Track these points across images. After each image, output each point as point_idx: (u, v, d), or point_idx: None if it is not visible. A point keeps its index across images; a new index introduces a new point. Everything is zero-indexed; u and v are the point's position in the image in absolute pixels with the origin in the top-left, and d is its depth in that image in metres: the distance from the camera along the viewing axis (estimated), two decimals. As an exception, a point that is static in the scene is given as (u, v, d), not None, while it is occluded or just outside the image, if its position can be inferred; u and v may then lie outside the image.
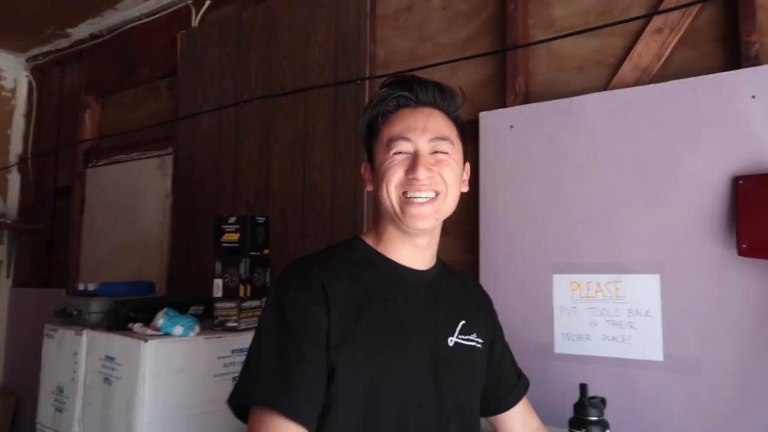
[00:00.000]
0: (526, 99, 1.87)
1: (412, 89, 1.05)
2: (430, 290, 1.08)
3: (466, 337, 1.09)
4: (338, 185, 2.30)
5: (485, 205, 1.86)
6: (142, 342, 1.57)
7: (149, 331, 1.65)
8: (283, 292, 0.98)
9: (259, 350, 0.97)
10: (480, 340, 1.11)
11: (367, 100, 2.24)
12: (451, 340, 1.06)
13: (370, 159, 1.09)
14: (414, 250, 1.07)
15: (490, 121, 1.88)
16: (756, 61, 1.47)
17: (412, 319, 1.03)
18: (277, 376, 0.92)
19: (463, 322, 1.09)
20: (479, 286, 1.27)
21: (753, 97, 1.43)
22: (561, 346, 1.67)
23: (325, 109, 2.38)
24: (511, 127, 1.83)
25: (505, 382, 1.23)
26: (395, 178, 1.02)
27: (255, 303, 1.90)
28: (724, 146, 1.46)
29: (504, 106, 1.89)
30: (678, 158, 1.52)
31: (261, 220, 1.96)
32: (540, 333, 1.69)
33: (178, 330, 1.64)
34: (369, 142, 1.09)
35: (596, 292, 1.62)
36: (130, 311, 1.75)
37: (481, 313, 1.18)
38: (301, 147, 2.45)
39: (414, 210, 1.01)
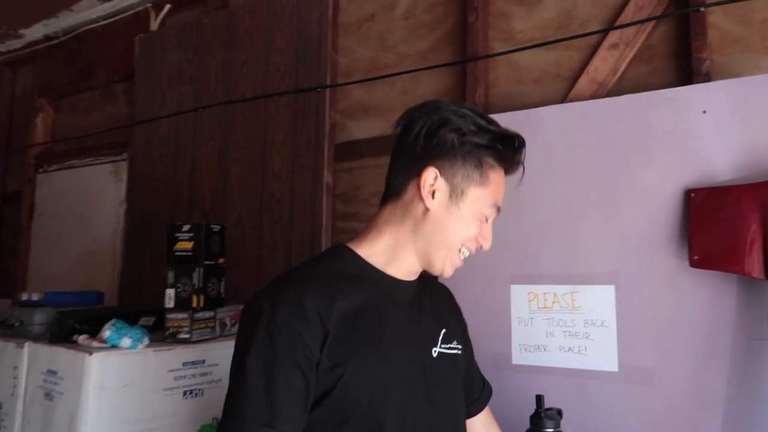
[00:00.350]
0: (486, 110, 1.88)
1: (521, 172, 1.04)
2: (416, 300, 1.06)
3: (448, 345, 1.07)
4: (297, 194, 2.26)
5: (445, 215, 1.84)
6: (87, 355, 1.49)
7: (95, 344, 1.57)
8: (271, 316, 0.89)
9: (244, 381, 0.87)
10: (459, 347, 1.10)
11: (328, 108, 2.22)
12: (435, 350, 1.04)
13: (446, 174, 0.97)
14: (411, 269, 1.04)
15: (451, 131, 1.87)
16: (707, 78, 1.51)
17: (402, 331, 1.00)
18: (266, 414, 0.86)
19: (444, 330, 1.08)
20: (450, 293, 1.25)
21: (704, 112, 1.46)
22: (518, 357, 1.67)
23: (285, 117, 2.35)
24: (471, 137, 1.82)
25: (473, 389, 1.22)
26: (472, 234, 0.99)
27: (208, 314, 1.85)
28: (676, 160, 1.48)
29: (464, 116, 1.89)
30: (632, 171, 1.54)
31: (216, 228, 1.91)
32: (498, 344, 1.69)
33: (126, 342, 1.57)
34: (462, 159, 0.97)
35: (553, 302, 1.62)
36: (75, 322, 1.67)
37: (456, 319, 1.17)
38: (260, 154, 2.41)
39: (457, 263, 1.01)
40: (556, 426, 1.34)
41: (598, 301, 1.55)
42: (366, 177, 2.16)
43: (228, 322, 1.97)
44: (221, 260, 1.93)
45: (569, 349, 1.59)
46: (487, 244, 1.01)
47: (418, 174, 0.97)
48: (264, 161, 2.39)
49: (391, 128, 2.08)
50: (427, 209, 0.97)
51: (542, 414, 1.34)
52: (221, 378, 1.79)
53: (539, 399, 1.35)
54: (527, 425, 1.35)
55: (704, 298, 1.41)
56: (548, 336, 1.62)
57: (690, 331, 1.42)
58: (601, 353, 1.54)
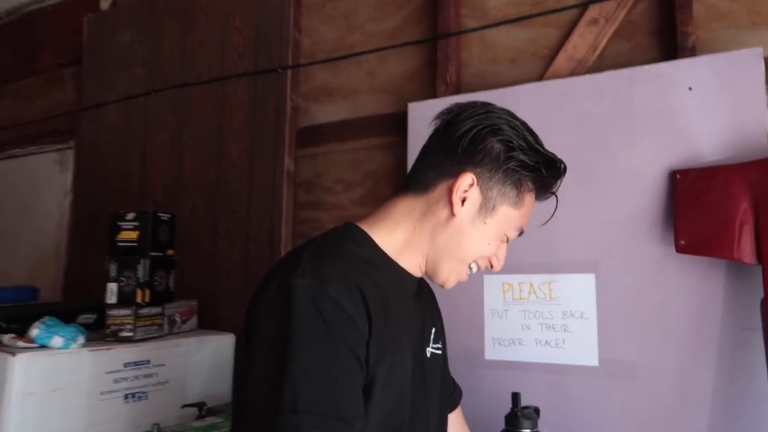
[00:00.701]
0: (458, 90, 1.76)
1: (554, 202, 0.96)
2: (417, 297, 0.98)
3: (436, 345, 1.02)
4: (256, 182, 2.11)
5: (414, 202, 1.73)
6: (10, 356, 1.32)
7: (21, 343, 1.40)
8: (319, 294, 0.75)
9: (292, 373, 0.70)
10: (442, 347, 1.05)
11: (289, 90, 2.08)
12: (428, 351, 0.98)
13: (482, 184, 0.88)
14: (419, 267, 0.95)
15: (420, 112, 1.76)
16: (692, 53, 1.42)
17: (411, 328, 0.93)
18: (333, 412, 0.70)
19: (434, 329, 1.02)
20: (431, 289, 1.15)
21: (690, 89, 1.37)
22: (492, 352, 1.55)
23: (243, 100, 2.20)
24: (442, 119, 1.71)
25: (447, 388, 1.14)
26: (489, 252, 0.91)
27: (155, 310, 1.69)
28: (661, 140, 1.39)
29: (434, 96, 1.77)
30: (614, 152, 1.45)
31: (165, 216, 1.75)
32: (470, 338, 1.57)
33: (57, 341, 1.40)
34: (503, 174, 0.88)
35: (529, 293, 1.51)
36: (0, 320, 1.50)
37: (440, 317, 1.11)
38: (216, 140, 2.25)
39: (462, 278, 0.94)
40: (534, 426, 1.24)
41: (578, 291, 1.45)
42: (330, 163, 2.03)
43: (178, 319, 1.81)
44: (170, 252, 1.77)
45: (546, 342, 1.48)
46: (498, 266, 0.94)
47: (454, 176, 0.88)
48: (220, 148, 2.24)
49: (356, 111, 1.99)
50: (452, 215, 0.88)
51: (519, 413, 1.24)
52: (168, 380, 1.63)
53: (515, 397, 1.25)
54: (501, 425, 1.25)
55: (691, 287, 1.32)
56: (524, 329, 1.51)
57: (675, 321, 1.33)
58: (580, 347, 1.43)
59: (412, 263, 0.93)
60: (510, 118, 0.90)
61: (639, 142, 1.42)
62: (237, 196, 2.15)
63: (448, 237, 0.89)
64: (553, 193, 0.94)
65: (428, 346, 0.98)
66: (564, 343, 1.46)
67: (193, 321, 1.89)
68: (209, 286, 2.11)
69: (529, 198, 0.91)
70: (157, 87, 2.44)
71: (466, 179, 0.87)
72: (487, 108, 0.90)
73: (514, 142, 0.87)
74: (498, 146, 0.87)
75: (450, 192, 0.87)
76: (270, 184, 2.07)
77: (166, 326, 1.74)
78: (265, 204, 2.07)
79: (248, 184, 2.13)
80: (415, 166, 0.95)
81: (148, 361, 1.59)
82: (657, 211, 1.38)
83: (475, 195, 0.88)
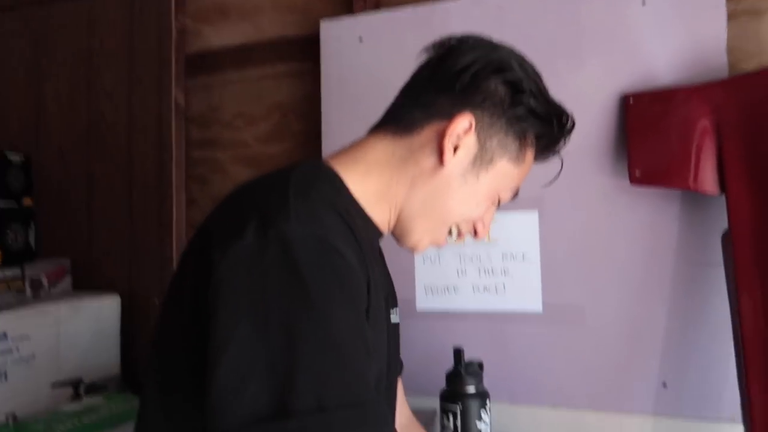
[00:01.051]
0: (377, 5, 1.53)
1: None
2: (381, 256, 0.86)
3: (395, 312, 0.89)
4: (137, 117, 1.78)
5: (329, 138, 1.50)
6: None
7: None
8: (325, 246, 0.57)
9: (308, 354, 0.52)
10: (398, 313, 0.93)
11: (174, 9, 1.76)
12: (390, 317, 0.85)
13: (481, 131, 0.74)
14: (388, 223, 0.80)
15: (334, 32, 1.52)
16: (644, -39, 1.28)
17: (383, 293, 0.78)
18: (370, 396, 0.55)
19: (389, 293, 0.88)
20: None
21: (643, 3, 1.24)
22: (423, 302, 1.40)
23: (117, 19, 1.84)
24: (361, 39, 1.48)
25: None
26: (476, 215, 0.77)
27: (11, 272, 1.36)
28: (610, 60, 1.25)
29: (351, 13, 1.53)
30: (559, 74, 1.27)
31: (16, 158, 1.41)
32: (399, 287, 1.36)
33: None
34: (507, 123, 0.74)
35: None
36: None
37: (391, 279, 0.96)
38: (85, 68, 1.87)
39: (440, 243, 0.80)
40: (479, 382, 1.10)
41: (519, 231, 1.31)
42: (228, 95, 1.73)
43: (44, 282, 1.49)
44: (28, 201, 1.43)
45: (485, 288, 1.34)
46: (483, 234, 0.81)
47: (447, 117, 0.73)
48: (90, 77, 1.87)
49: (257, 33, 1.70)
50: (440, 164, 0.73)
51: (462, 371, 1.09)
52: (34, 354, 1.33)
53: (458, 354, 1.11)
54: (437, 382, 1.11)
55: (643, 222, 1.22)
56: (459, 275, 1.36)
57: (626, 260, 1.23)
58: (522, 292, 1.31)
59: (381, 218, 0.76)
60: (519, 57, 0.76)
61: (587, 64, 1.27)
62: (114, 133, 1.81)
63: (431, 191, 0.74)
64: (557, 153, 0.82)
65: (391, 313, 0.84)
66: (504, 288, 1.32)
67: (66, 283, 1.57)
68: (85, 242, 1.77)
69: (530, 155, 0.79)
70: (4, 3, 2.00)
71: (463, 122, 0.72)
72: (492, 43, 0.77)
73: (524, 84, 0.74)
74: (502, 88, 0.74)
75: (441, 136, 0.72)
76: (155, 120, 1.75)
77: (28, 291, 1.42)
78: (151, 143, 1.76)
79: (127, 120, 1.80)
80: (396, 102, 0.80)
81: (4, 335, 1.27)
82: (607, 140, 1.25)
83: (470, 143, 0.73)
